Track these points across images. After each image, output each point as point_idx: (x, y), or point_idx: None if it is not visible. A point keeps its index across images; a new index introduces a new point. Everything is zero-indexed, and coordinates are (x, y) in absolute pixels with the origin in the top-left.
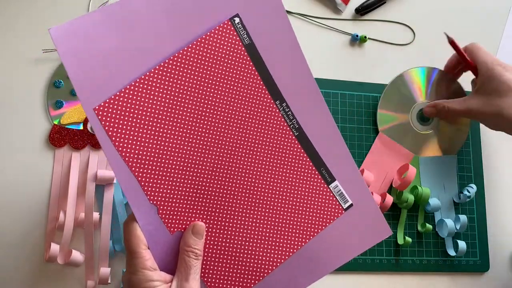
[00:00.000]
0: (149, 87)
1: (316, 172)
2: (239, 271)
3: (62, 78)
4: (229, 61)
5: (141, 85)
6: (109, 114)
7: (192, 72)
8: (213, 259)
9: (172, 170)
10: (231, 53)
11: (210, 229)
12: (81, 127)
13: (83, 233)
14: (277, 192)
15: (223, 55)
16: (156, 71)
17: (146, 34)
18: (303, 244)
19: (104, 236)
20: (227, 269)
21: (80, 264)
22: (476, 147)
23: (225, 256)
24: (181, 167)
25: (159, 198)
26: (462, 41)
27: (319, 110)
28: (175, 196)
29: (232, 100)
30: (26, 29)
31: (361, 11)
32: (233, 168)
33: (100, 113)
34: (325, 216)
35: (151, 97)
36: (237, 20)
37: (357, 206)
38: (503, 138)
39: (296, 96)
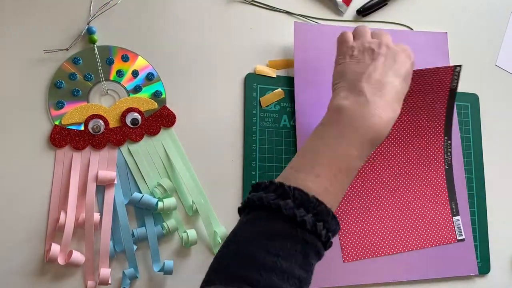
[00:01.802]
0: None
1: (447, 203)
2: (367, 243)
3: (63, 79)
4: (433, 88)
5: None
6: None
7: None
8: (354, 230)
9: None
10: (438, 85)
11: (360, 208)
12: (82, 128)
13: (84, 234)
14: (411, 203)
15: (432, 82)
16: None
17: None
18: (411, 249)
19: (105, 237)
20: (360, 238)
21: (80, 265)
22: (477, 147)
23: (363, 231)
24: None
25: None
26: (463, 41)
27: (460, 157)
28: None
29: (417, 110)
30: (27, 29)
31: (363, 13)
32: (386, 168)
33: None
34: (439, 238)
35: None
36: (458, 68)
37: (466, 242)
38: (504, 138)
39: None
